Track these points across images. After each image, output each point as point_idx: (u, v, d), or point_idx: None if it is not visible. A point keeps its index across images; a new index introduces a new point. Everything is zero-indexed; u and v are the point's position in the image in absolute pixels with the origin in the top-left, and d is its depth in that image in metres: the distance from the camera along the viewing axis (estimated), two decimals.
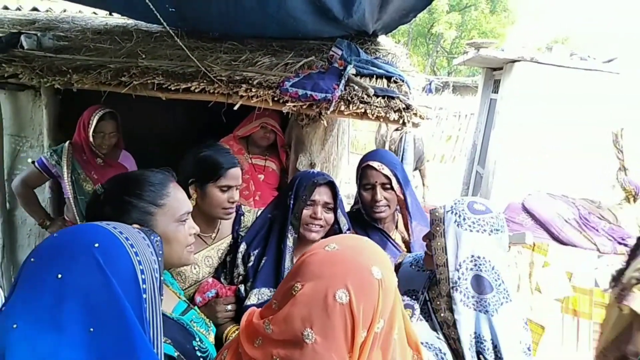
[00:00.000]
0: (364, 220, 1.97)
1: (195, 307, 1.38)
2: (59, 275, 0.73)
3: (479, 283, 1.29)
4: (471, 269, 1.30)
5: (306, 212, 1.70)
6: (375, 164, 1.88)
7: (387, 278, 0.88)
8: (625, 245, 3.17)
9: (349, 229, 1.80)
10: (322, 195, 1.71)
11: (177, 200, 1.25)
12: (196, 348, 1.19)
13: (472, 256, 1.30)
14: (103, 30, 3.51)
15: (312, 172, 1.79)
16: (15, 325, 0.70)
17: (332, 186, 1.74)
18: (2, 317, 0.72)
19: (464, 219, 1.32)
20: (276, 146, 2.93)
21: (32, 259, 0.76)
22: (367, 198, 1.91)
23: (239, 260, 1.74)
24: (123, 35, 3.24)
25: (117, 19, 4.05)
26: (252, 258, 1.72)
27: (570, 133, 4.01)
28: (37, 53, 2.78)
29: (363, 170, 1.93)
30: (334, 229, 1.80)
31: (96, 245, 0.76)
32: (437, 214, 1.39)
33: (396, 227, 2.04)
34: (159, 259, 0.88)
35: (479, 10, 23.58)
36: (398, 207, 1.99)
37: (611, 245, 3.16)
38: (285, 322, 0.84)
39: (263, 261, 1.69)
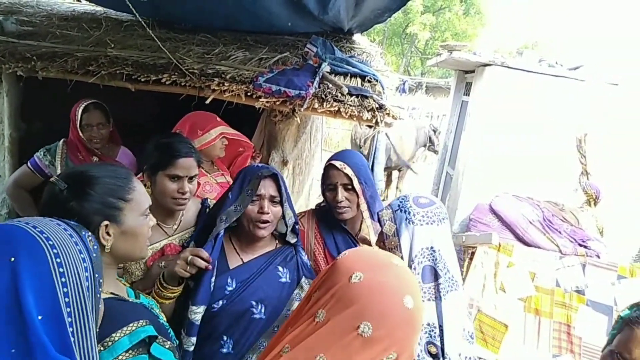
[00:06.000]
0: (331, 218, 1.93)
1: (141, 293, 1.37)
2: None
3: (429, 272, 1.33)
4: (423, 261, 1.34)
5: (252, 207, 1.62)
6: (337, 164, 1.85)
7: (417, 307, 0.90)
8: (585, 247, 3.29)
9: (295, 223, 1.75)
10: (267, 188, 1.64)
11: (141, 194, 1.23)
12: (165, 325, 1.24)
13: (427, 248, 1.34)
14: (70, 16, 3.39)
15: (256, 166, 1.73)
16: None
17: (276, 179, 1.67)
18: None
19: (414, 215, 1.36)
20: None
21: None
22: (330, 198, 1.89)
23: None
24: (91, 22, 3.14)
25: (85, 6, 3.92)
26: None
27: (537, 137, 4.12)
28: None
29: (326, 170, 1.92)
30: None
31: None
32: (385, 215, 1.42)
33: (358, 231, 2.00)
34: (94, 255, 0.86)
35: (452, 12, 24.02)
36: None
37: (572, 246, 3.27)
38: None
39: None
